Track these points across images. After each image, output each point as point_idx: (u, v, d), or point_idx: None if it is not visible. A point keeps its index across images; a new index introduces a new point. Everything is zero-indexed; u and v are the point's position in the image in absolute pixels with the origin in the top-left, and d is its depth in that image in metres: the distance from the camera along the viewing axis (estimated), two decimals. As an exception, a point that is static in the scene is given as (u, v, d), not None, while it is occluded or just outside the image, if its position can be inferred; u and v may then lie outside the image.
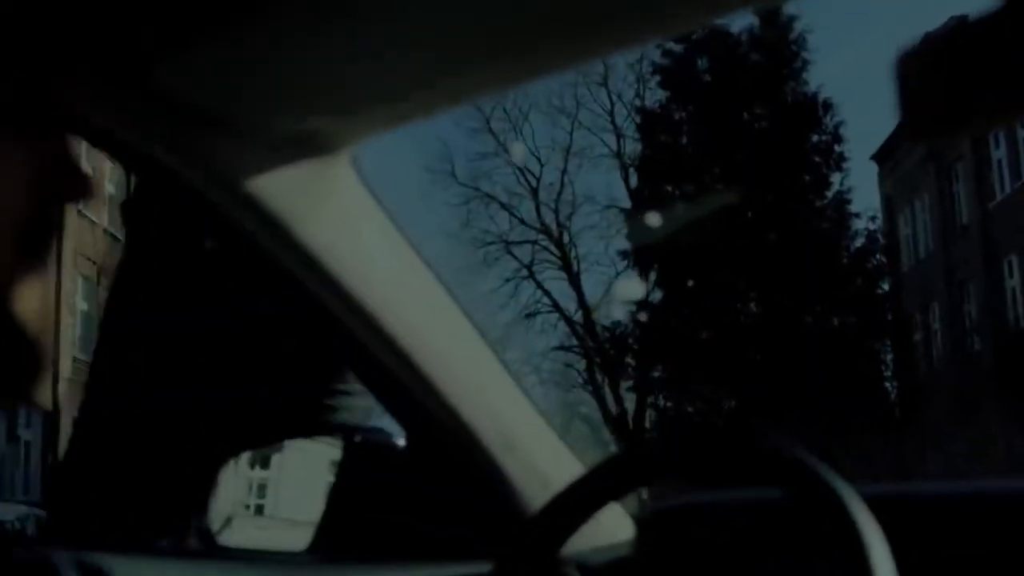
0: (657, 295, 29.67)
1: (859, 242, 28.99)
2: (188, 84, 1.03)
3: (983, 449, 20.96)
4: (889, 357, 28.99)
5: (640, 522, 1.42)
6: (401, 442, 1.36)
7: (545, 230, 33.28)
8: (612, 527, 1.39)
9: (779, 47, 27.60)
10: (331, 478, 1.41)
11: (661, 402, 29.87)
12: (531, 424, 1.39)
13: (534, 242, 33.39)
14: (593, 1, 0.89)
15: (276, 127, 1.11)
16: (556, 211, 33.60)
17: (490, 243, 33.87)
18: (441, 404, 1.27)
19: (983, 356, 25.51)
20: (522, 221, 33.72)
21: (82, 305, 28.03)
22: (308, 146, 1.14)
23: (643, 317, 29.65)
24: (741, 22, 27.77)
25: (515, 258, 33.67)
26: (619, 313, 31.05)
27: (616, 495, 1.26)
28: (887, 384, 28.48)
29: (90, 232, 25.73)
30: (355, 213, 1.21)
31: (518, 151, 32.61)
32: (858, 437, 20.69)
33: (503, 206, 34.11)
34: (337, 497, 1.38)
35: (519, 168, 33.98)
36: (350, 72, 1.02)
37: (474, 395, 1.30)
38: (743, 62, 27.48)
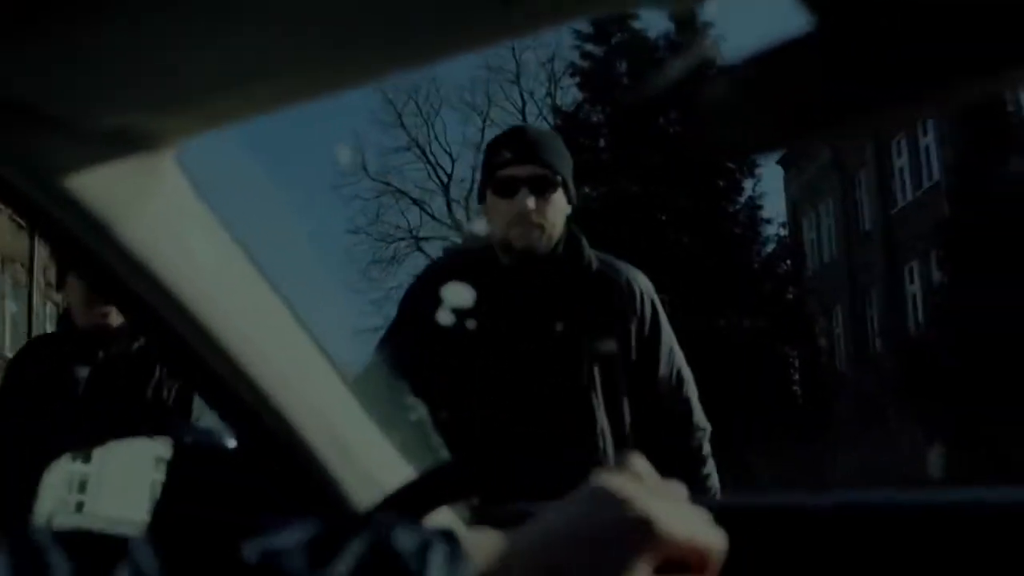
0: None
1: (770, 247, 29.37)
2: (3, 77, 1.00)
3: (887, 450, 21.34)
4: (796, 360, 29.41)
5: (471, 527, 1.42)
6: (231, 443, 1.35)
7: (456, 226, 33.36)
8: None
9: (695, 52, 27.84)
10: (155, 476, 1.39)
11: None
12: (362, 428, 1.39)
13: (444, 238, 33.55)
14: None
15: (96, 122, 1.08)
16: (467, 208, 33.71)
17: (400, 239, 33.98)
18: (269, 406, 1.26)
19: (885, 359, 25.97)
20: (433, 217, 33.78)
21: None
22: (130, 142, 1.11)
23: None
24: (657, 26, 28.04)
25: (425, 254, 33.79)
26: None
27: (445, 501, 1.26)
28: (795, 387, 28.88)
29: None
30: (180, 212, 1.19)
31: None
32: (766, 438, 20.97)
33: (414, 201, 34.21)
34: (164, 497, 1.37)
35: (430, 163, 34.04)
36: (175, 66, 0.99)
37: (303, 398, 1.29)
38: (660, 66, 27.69)
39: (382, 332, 2.99)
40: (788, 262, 29.84)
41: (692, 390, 2.98)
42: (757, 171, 28.72)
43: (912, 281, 27.23)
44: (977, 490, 1.17)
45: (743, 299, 26.37)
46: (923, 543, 1.12)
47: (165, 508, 1.35)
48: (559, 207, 2.86)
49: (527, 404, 2.74)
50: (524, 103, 34.65)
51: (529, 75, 34.74)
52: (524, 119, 33.97)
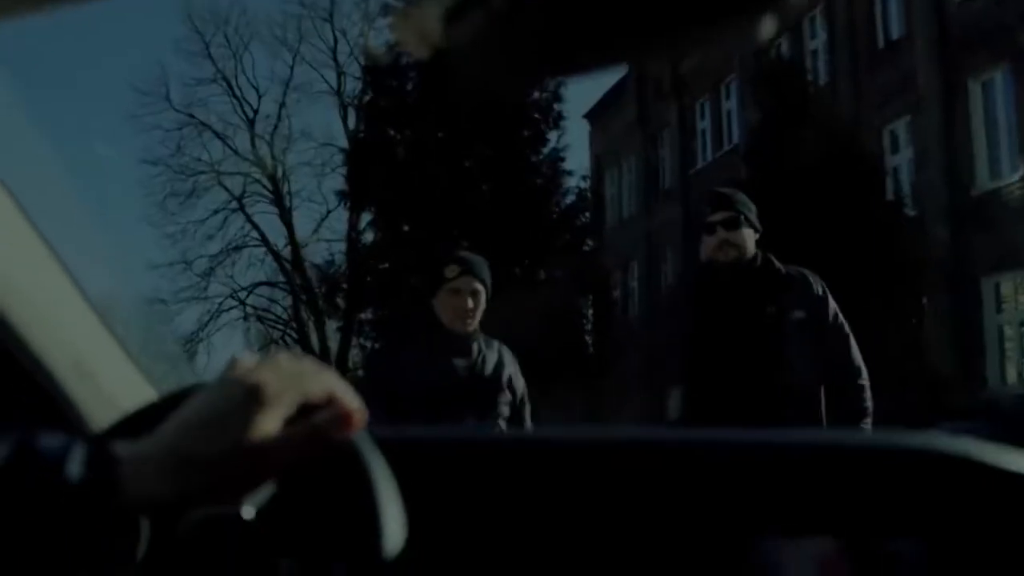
0: (369, 236, 29.74)
1: (570, 199, 29.77)
2: None
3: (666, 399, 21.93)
4: (590, 311, 29.98)
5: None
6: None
7: (259, 163, 32.81)
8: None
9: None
10: None
11: (367, 343, 30.01)
12: (108, 354, 1.36)
13: (247, 175, 32.94)
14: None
15: None
16: (271, 144, 33.19)
17: (201, 172, 33.23)
18: (5, 324, 1.22)
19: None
20: (236, 152, 33.14)
21: None
22: None
23: (355, 259, 29.70)
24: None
25: (226, 189, 33.16)
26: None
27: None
28: (586, 337, 29.43)
29: None
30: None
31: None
32: (555, 386, 21.30)
33: (217, 135, 33.47)
34: None
35: (236, 98, 33.33)
36: None
37: (44, 317, 1.26)
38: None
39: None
40: (587, 215, 30.36)
41: (852, 343, 4.41)
42: (562, 123, 29.04)
43: (706, 239, 28.05)
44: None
45: (541, 249, 26.73)
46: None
47: None
48: (747, 236, 4.47)
49: (747, 358, 4.28)
50: (336, 42, 34.27)
51: (342, 14, 34.35)
52: (335, 58, 33.63)
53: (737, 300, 4.42)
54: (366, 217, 30.02)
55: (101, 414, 1.31)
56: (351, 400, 0.88)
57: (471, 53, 0.76)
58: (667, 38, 0.67)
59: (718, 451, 1.20)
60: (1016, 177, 19.33)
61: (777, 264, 4.51)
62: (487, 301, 4.50)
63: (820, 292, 4.46)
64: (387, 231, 28.42)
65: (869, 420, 4.34)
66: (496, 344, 4.60)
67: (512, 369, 4.59)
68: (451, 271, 4.40)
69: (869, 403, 4.37)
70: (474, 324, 4.44)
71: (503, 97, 24.29)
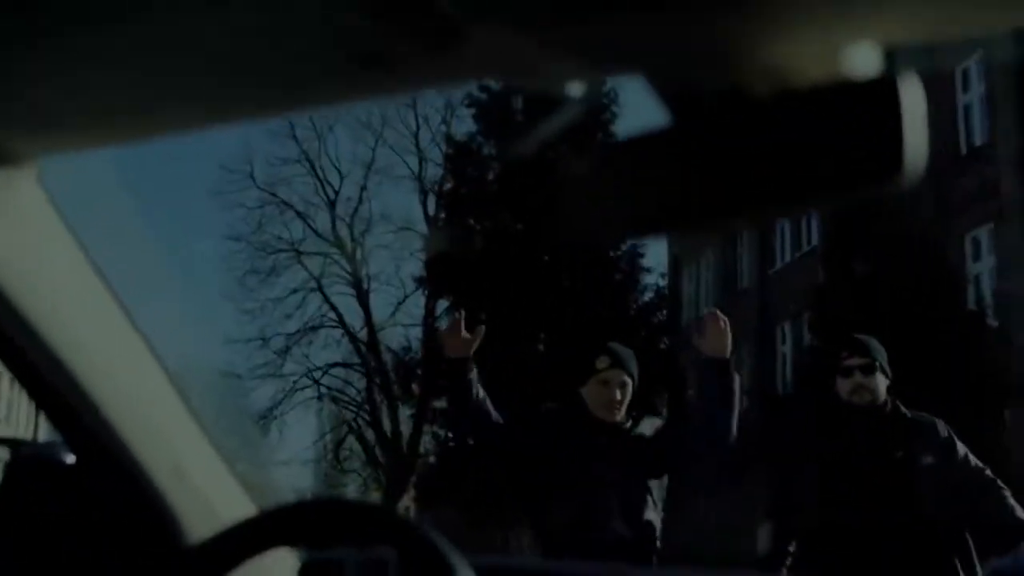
0: (446, 323, 29.83)
1: (648, 296, 29.71)
2: None
3: (744, 503, 21.59)
4: (664, 409, 29.75)
5: (303, 570, 1.43)
6: (70, 460, 1.34)
7: (338, 244, 33.08)
8: (277, 571, 1.39)
9: (593, 98, 28.12)
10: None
11: (440, 432, 29.99)
12: (204, 457, 1.39)
13: (326, 255, 33.22)
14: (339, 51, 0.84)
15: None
16: (351, 226, 33.47)
17: (281, 250, 33.52)
18: (108, 427, 1.25)
19: (750, 416, 26.34)
20: (316, 232, 33.48)
21: None
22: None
23: (431, 345, 29.81)
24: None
25: (305, 269, 33.43)
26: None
27: (280, 543, 1.26)
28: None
29: None
30: (34, 227, 1.17)
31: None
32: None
33: (299, 214, 33.82)
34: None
35: (319, 178, 33.78)
36: (37, 90, 0.97)
37: (145, 421, 1.29)
38: (556, 107, 27.90)
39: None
40: (664, 312, 30.25)
41: (988, 471, 4.58)
42: (642, 219, 29.02)
43: (784, 341, 27.76)
44: None
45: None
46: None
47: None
48: (880, 382, 4.66)
49: (875, 502, 4.41)
50: (418, 128, 34.57)
51: (426, 101, 34.58)
52: (417, 144, 33.97)
53: (866, 444, 4.63)
54: (443, 304, 30.14)
55: (196, 517, 1.33)
56: None
57: (575, 197, 0.77)
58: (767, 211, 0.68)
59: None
60: (1103, 290, 19.00)
61: (904, 409, 4.72)
62: (634, 393, 4.60)
63: (946, 435, 4.65)
64: (464, 319, 28.51)
65: None
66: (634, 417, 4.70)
67: (655, 427, 4.70)
68: (601, 362, 4.55)
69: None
70: (621, 414, 4.53)
71: (595, 243, 24.33)
